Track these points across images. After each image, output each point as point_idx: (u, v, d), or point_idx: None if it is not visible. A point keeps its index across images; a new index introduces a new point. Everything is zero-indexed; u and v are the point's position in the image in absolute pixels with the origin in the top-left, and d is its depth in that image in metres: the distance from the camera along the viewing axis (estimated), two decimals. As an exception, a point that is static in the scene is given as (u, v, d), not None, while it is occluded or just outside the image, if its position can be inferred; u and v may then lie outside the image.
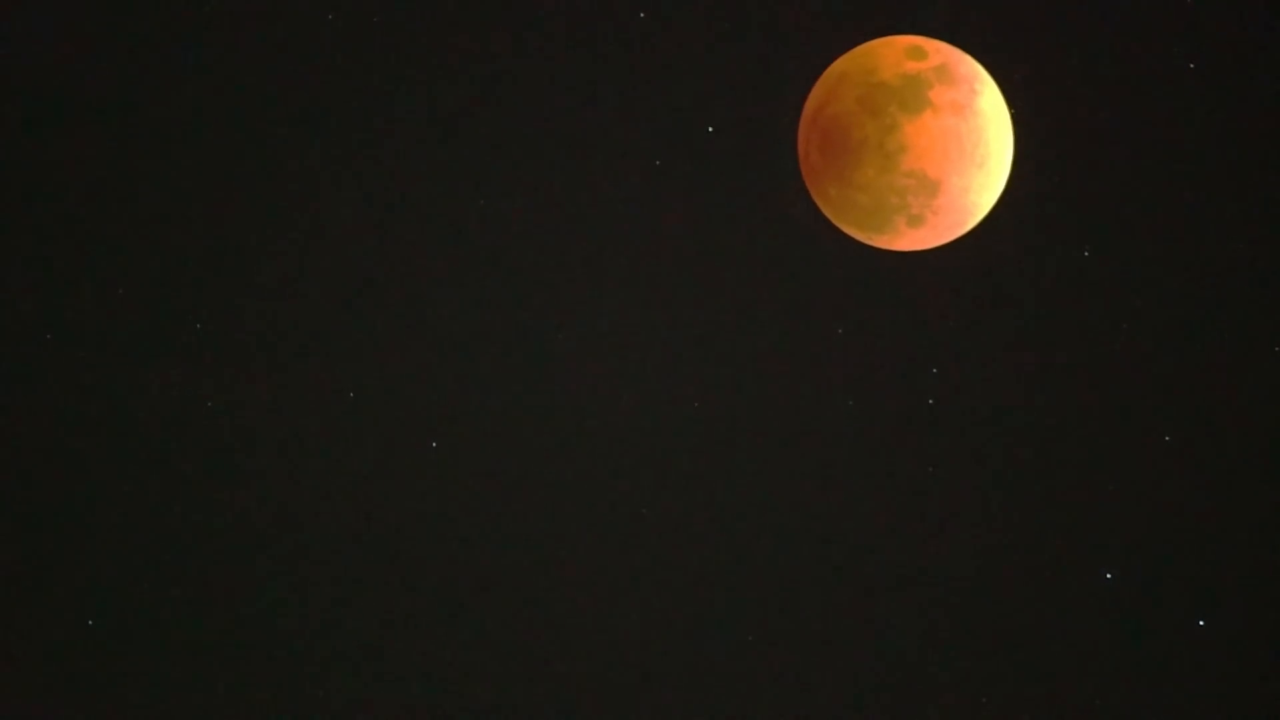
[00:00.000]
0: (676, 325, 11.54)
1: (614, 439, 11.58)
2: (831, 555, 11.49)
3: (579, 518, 11.59)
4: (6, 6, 11.66)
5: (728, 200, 11.50)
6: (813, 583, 11.50)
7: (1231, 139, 11.09)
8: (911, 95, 9.91)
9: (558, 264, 11.59)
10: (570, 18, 11.50)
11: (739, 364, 11.54)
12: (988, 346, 11.36)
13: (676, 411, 11.54)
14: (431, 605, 11.64)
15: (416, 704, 11.64)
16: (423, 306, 11.66)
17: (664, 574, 11.57)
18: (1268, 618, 11.14)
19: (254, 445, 11.70)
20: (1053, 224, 11.22)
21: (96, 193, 11.74)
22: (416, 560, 11.65)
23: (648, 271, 11.55)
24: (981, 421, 11.38)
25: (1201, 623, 11.19)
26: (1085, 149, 11.16)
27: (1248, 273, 11.16)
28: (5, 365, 11.73)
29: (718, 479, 11.54)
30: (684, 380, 11.55)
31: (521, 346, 11.61)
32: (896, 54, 10.12)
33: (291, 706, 11.63)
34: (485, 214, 11.63)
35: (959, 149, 9.92)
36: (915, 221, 10.08)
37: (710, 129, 11.49)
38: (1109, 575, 11.29)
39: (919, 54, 10.09)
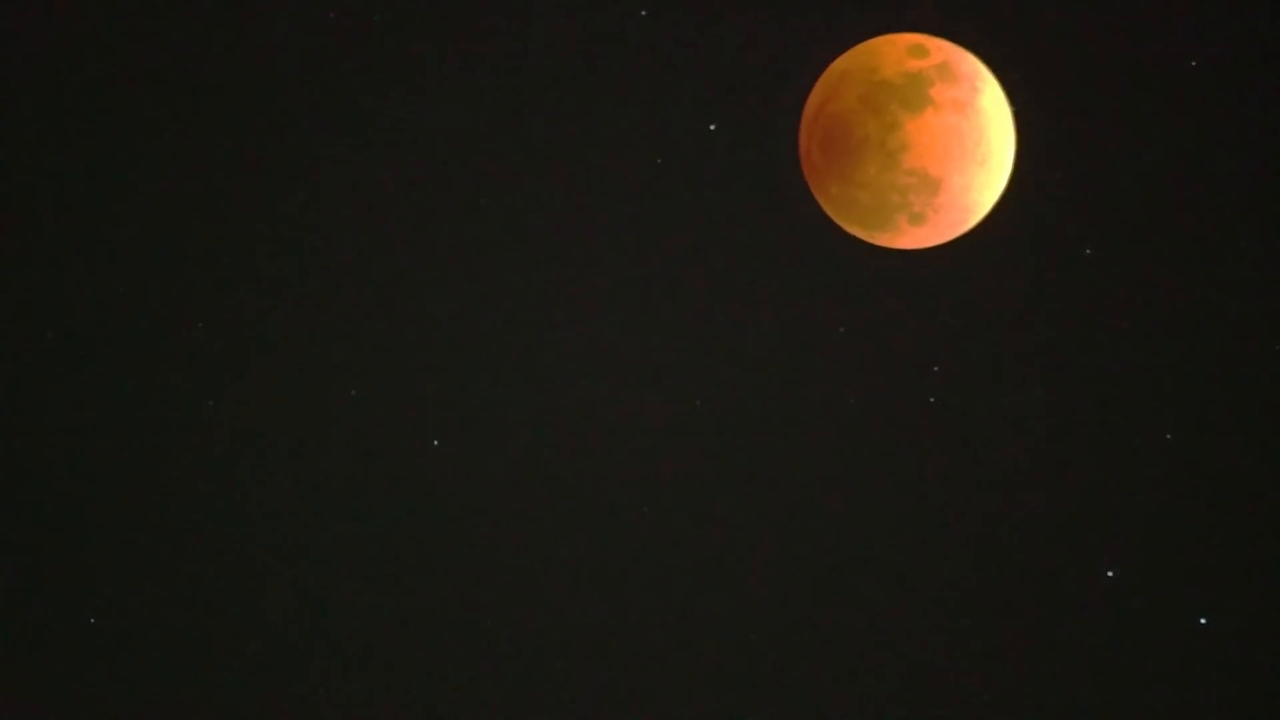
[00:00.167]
0: (678, 323, 11.55)
1: (614, 437, 11.58)
2: (832, 553, 11.49)
3: (581, 516, 11.59)
4: (7, 6, 11.66)
5: (729, 198, 11.51)
6: (814, 580, 11.50)
7: (1234, 138, 11.10)
8: (913, 93, 9.92)
9: (559, 262, 11.59)
10: (571, 16, 11.50)
11: (740, 362, 11.54)
12: (989, 345, 11.37)
13: (677, 410, 11.54)
14: (433, 604, 11.63)
15: (418, 703, 11.64)
16: (424, 305, 11.66)
17: (666, 572, 11.57)
18: (1269, 616, 11.14)
19: (255, 445, 11.70)
20: (1054, 222, 11.22)
21: (97, 192, 11.74)
22: (418, 559, 11.65)
23: (648, 270, 11.56)
24: (983, 420, 11.39)
25: (1203, 621, 11.19)
26: (1087, 147, 11.17)
27: (1250, 271, 11.17)
28: (5, 365, 11.73)
29: (719, 477, 11.54)
30: (685, 378, 11.55)
31: (523, 344, 11.62)
32: (898, 52, 10.14)
33: (292, 706, 11.62)
34: (486, 212, 11.64)
35: (961, 147, 9.93)
36: (917, 220, 10.09)
37: (712, 127, 11.50)
38: (1110, 574, 11.29)
39: (920, 52, 10.11)
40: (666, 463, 11.56)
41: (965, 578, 11.40)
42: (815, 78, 10.49)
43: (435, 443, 11.66)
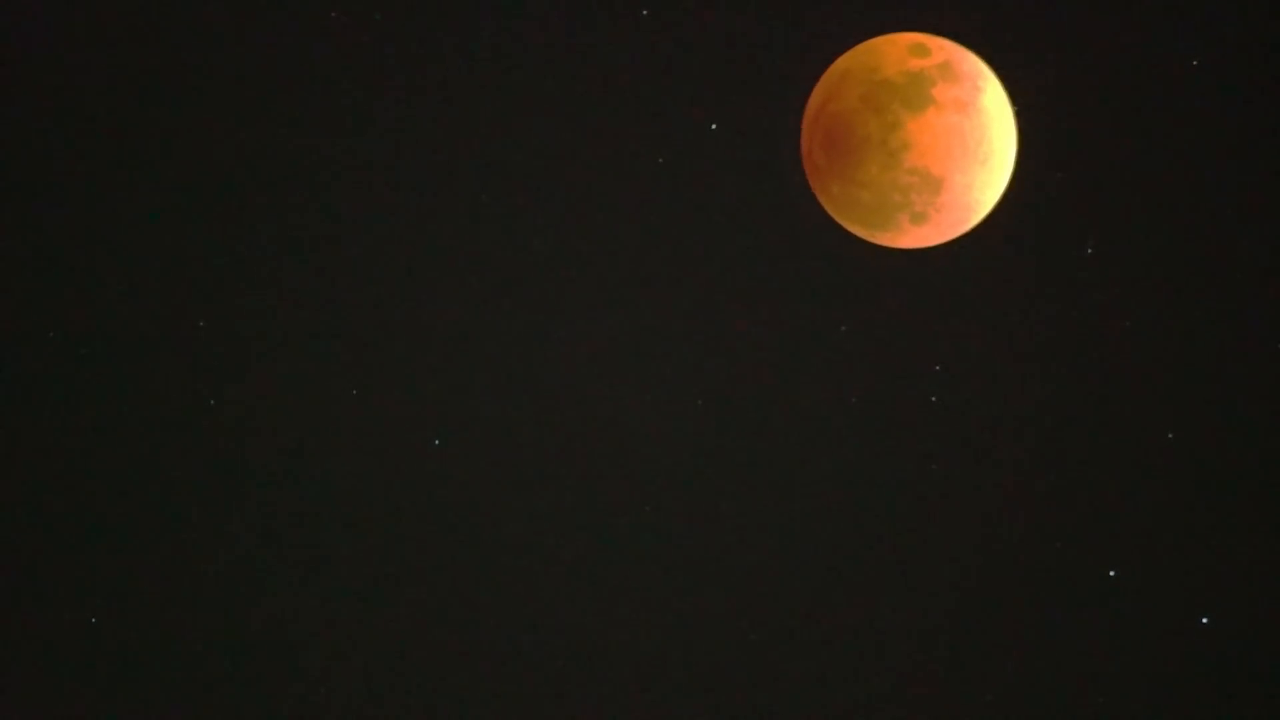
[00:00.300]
0: (679, 323, 11.55)
1: (616, 437, 11.57)
2: (833, 552, 11.49)
3: (583, 515, 11.59)
4: (7, 6, 11.66)
5: (730, 198, 11.51)
6: (814, 579, 11.50)
7: (1236, 137, 11.10)
8: (915, 92, 9.92)
9: (561, 261, 11.59)
10: (573, 15, 11.50)
11: (742, 361, 11.54)
12: (991, 344, 11.37)
13: (679, 409, 11.54)
14: (434, 603, 11.63)
15: (418, 702, 11.63)
16: (425, 304, 11.66)
17: (667, 571, 11.56)
18: (1271, 616, 11.15)
19: (256, 444, 11.69)
20: (1056, 221, 11.23)
21: (97, 191, 11.73)
22: (419, 559, 11.65)
23: (650, 269, 11.55)
24: (984, 419, 11.39)
25: (1205, 620, 11.20)
26: (1088, 146, 11.18)
27: (1251, 270, 11.17)
28: (5, 365, 11.72)
29: (720, 476, 11.54)
30: (687, 378, 11.55)
31: (525, 344, 11.61)
32: (899, 51, 10.14)
33: (293, 706, 11.61)
34: (488, 211, 11.63)
35: (962, 146, 9.93)
36: (918, 219, 10.09)
37: (713, 126, 11.50)
38: (1112, 573, 11.29)
39: (922, 51, 10.11)
40: (667, 462, 11.56)
41: (966, 577, 11.40)
42: (817, 77, 10.49)
43: (436, 442, 11.66)
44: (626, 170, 11.54)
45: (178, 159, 11.70)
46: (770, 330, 11.50)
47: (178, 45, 11.67)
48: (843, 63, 10.34)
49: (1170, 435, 11.25)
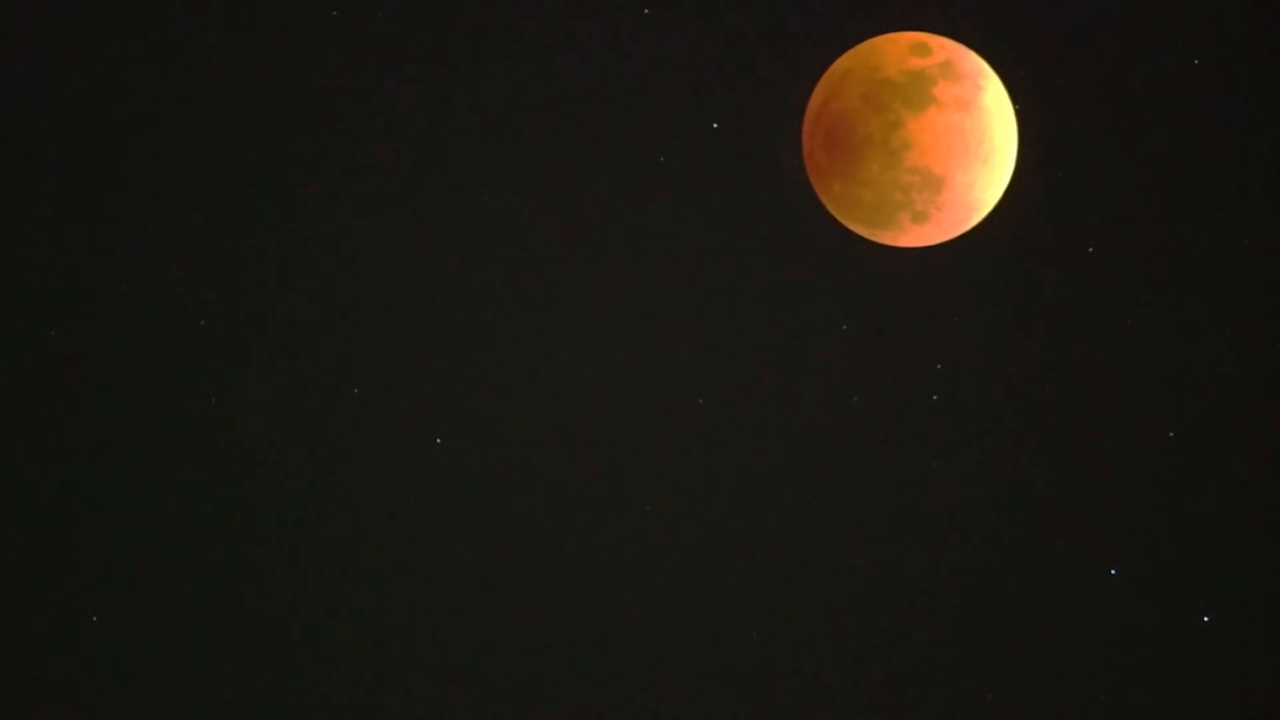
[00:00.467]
0: (681, 321, 11.55)
1: (618, 435, 11.57)
2: (835, 550, 11.49)
3: (583, 514, 11.58)
4: (7, 6, 11.66)
5: (732, 197, 11.51)
6: (817, 578, 11.50)
7: (1236, 136, 11.12)
8: (916, 91, 9.93)
9: (562, 260, 11.59)
10: (574, 14, 11.51)
11: (743, 360, 11.54)
12: (992, 342, 11.38)
13: (681, 408, 11.54)
14: (435, 601, 11.62)
15: (419, 701, 11.62)
16: (426, 303, 11.65)
17: (668, 569, 11.56)
18: (1272, 614, 11.15)
19: (256, 443, 11.68)
20: (1057, 220, 11.24)
21: (97, 191, 11.73)
22: (420, 557, 11.63)
23: (652, 268, 11.56)
24: (986, 417, 11.39)
25: (1206, 619, 11.20)
26: (1089, 145, 11.19)
27: (1252, 269, 11.18)
28: (5, 365, 11.70)
29: (722, 475, 11.54)
30: (688, 376, 11.54)
31: (526, 343, 11.61)
32: (900, 50, 10.15)
33: (293, 705, 11.59)
34: (489, 210, 11.63)
35: (963, 145, 9.94)
36: (920, 218, 10.09)
37: (715, 125, 11.51)
38: (1114, 571, 11.30)
39: (923, 50, 10.12)
40: (669, 460, 11.55)
41: (968, 575, 11.40)
42: (818, 76, 10.50)
43: (438, 441, 11.65)
44: (627, 169, 11.55)
45: (178, 159, 11.70)
46: (771, 329, 11.51)
47: (178, 45, 11.67)
48: (844, 62, 10.35)
49: (1171, 435, 11.26)
